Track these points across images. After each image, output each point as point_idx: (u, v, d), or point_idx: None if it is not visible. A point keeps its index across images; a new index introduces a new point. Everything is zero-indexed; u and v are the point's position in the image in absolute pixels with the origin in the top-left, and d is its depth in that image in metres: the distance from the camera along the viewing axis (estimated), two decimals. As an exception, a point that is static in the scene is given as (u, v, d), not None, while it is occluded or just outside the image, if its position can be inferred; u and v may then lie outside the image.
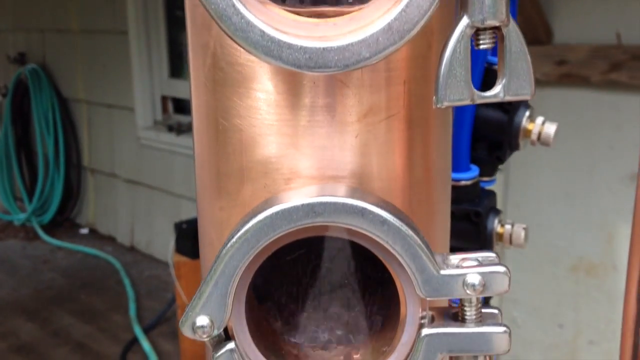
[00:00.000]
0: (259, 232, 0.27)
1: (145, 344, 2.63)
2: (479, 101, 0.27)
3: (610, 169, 1.87)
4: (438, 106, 0.27)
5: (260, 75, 0.31)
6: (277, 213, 0.27)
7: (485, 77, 0.48)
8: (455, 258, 0.29)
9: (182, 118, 3.51)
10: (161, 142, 3.40)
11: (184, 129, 3.30)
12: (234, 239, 0.28)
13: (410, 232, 0.27)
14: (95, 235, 3.97)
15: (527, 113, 0.49)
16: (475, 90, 0.27)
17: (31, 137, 4.32)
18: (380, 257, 0.28)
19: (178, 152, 3.30)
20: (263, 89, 0.31)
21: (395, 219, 0.27)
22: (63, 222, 4.13)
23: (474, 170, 0.49)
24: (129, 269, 3.41)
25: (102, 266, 3.52)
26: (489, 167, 0.51)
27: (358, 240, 0.28)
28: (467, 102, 0.27)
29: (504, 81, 0.27)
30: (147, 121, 3.55)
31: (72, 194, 4.12)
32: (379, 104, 0.31)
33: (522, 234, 0.49)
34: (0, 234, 4.07)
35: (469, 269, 0.27)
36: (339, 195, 0.28)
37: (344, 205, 0.27)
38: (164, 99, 3.59)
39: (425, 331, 0.28)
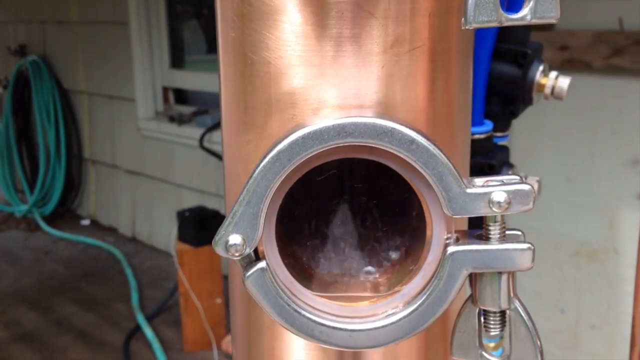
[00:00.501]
0: (291, 152, 0.28)
1: (148, 331, 2.64)
2: (506, 23, 0.27)
3: (612, 154, 1.88)
4: (467, 27, 0.27)
5: (288, 7, 0.31)
6: (309, 133, 0.28)
7: (500, 32, 0.48)
8: (479, 180, 0.29)
9: (183, 108, 3.51)
10: (162, 132, 3.41)
11: (185, 120, 3.30)
12: (266, 159, 0.28)
13: (437, 151, 0.28)
14: (96, 227, 3.98)
15: (541, 67, 0.49)
16: (503, 12, 0.27)
17: (32, 129, 4.32)
18: (407, 179, 0.29)
19: (179, 143, 3.31)
20: (291, 21, 0.32)
21: (423, 138, 0.28)
22: (64, 214, 4.14)
23: (488, 125, 0.50)
24: (130, 259, 3.42)
25: (103, 257, 3.53)
26: (503, 122, 0.51)
27: (386, 162, 0.29)
28: (495, 23, 0.27)
29: (530, 4, 0.27)
30: (148, 112, 3.56)
31: (73, 185, 4.13)
32: (404, 35, 0.32)
33: (535, 186, 0.50)
34: (1, 225, 4.08)
35: (494, 187, 0.28)
36: (369, 117, 0.29)
37: (374, 125, 0.28)
38: (165, 89, 3.59)
39: (451, 249, 0.29)
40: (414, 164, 0.28)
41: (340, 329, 0.29)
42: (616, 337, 1.95)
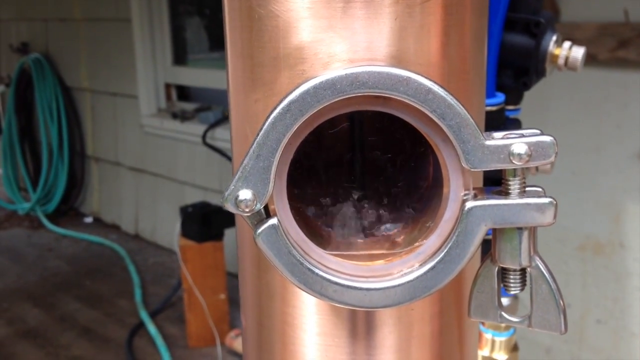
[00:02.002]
0: (303, 103, 0.27)
1: (152, 328, 2.64)
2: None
3: (617, 148, 1.86)
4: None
5: (297, -42, 0.30)
6: (321, 83, 0.27)
7: (512, 1, 0.47)
8: (498, 134, 0.28)
9: (185, 105, 3.50)
10: (165, 129, 3.40)
11: (188, 116, 3.30)
12: (277, 110, 0.27)
13: (455, 102, 0.27)
14: (99, 224, 3.97)
15: (554, 37, 0.48)
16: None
17: (35, 127, 4.31)
18: (423, 131, 0.28)
19: (182, 140, 3.30)
20: (301, -28, 0.30)
21: (440, 88, 0.27)
22: (67, 211, 4.13)
23: (500, 97, 0.48)
24: (133, 256, 3.41)
25: (106, 254, 3.52)
26: (515, 95, 0.50)
27: (400, 114, 0.28)
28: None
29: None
30: (151, 109, 3.55)
31: (76, 183, 4.12)
32: (418, -14, 0.31)
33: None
34: (4, 223, 4.07)
35: (515, 139, 0.27)
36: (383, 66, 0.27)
37: (388, 74, 0.27)
38: (168, 86, 3.58)
39: (469, 204, 0.28)
40: (430, 114, 0.27)
41: (355, 288, 0.28)
42: (622, 332, 1.94)
